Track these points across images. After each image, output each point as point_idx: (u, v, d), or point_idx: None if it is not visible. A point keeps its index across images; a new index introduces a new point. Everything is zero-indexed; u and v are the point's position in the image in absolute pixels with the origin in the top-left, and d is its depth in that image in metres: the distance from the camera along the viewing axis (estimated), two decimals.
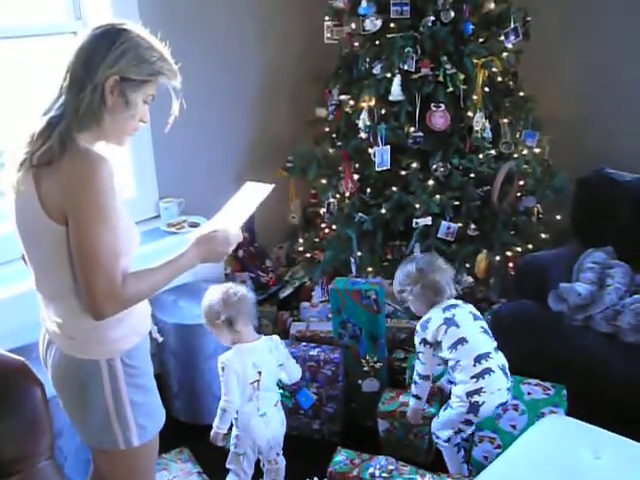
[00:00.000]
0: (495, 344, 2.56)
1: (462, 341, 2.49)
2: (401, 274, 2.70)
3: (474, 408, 2.44)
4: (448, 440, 2.58)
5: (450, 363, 2.52)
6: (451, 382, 2.61)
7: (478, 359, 2.45)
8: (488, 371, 2.43)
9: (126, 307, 1.67)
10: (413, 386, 2.70)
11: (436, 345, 2.57)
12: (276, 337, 2.57)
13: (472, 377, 2.44)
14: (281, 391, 2.59)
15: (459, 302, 2.64)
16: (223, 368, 2.40)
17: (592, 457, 2.14)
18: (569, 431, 2.28)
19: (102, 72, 1.57)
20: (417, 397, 2.69)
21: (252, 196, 2.00)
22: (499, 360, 2.51)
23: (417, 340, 2.63)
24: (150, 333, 1.96)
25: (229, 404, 2.40)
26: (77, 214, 1.56)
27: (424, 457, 2.81)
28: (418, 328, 2.63)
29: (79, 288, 1.63)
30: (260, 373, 2.42)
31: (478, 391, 2.42)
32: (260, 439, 2.48)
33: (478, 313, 2.64)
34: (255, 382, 2.42)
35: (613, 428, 2.28)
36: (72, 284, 1.65)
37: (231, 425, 2.49)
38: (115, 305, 1.62)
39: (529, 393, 2.71)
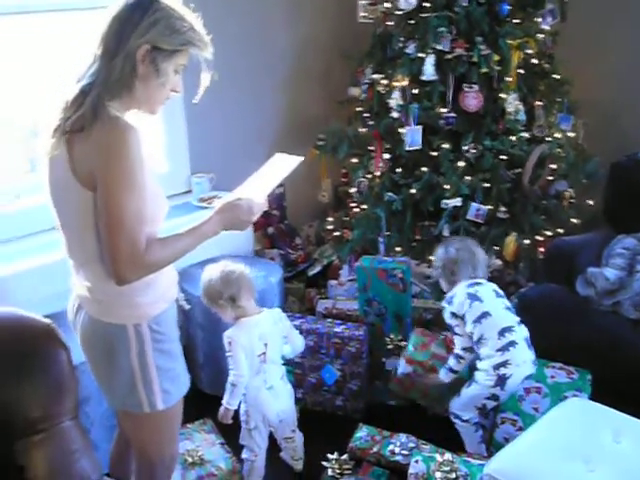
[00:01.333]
0: (518, 319, 2.58)
1: (486, 315, 2.52)
2: (435, 254, 2.81)
3: (501, 381, 2.47)
4: (468, 420, 2.60)
5: (474, 337, 2.54)
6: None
7: (502, 332, 2.49)
8: (513, 344, 2.48)
9: (149, 273, 1.70)
10: (453, 360, 2.65)
11: (461, 319, 2.59)
12: (278, 309, 2.60)
13: (497, 350, 2.48)
14: (286, 366, 2.61)
15: (482, 280, 2.67)
16: (230, 343, 2.41)
17: (612, 441, 2.12)
18: (590, 414, 2.26)
19: (134, 41, 1.60)
20: (454, 372, 2.67)
21: (280, 167, 2.00)
22: (523, 333, 2.54)
23: (447, 316, 2.66)
24: (177, 300, 1.99)
25: (239, 378, 2.42)
26: (105, 180, 1.59)
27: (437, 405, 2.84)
28: (444, 304, 2.67)
29: (103, 253, 1.67)
30: (266, 345, 2.45)
31: (504, 363, 2.46)
32: (269, 412, 2.51)
33: (501, 292, 2.67)
34: (262, 354, 2.44)
35: (638, 414, 2.26)
36: (98, 249, 1.69)
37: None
38: (137, 270, 1.65)
39: (552, 377, 2.69)
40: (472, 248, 2.75)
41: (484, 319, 2.52)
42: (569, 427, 2.21)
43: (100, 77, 1.62)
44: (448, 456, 2.46)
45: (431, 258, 3.47)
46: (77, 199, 1.65)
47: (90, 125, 1.58)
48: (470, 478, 2.39)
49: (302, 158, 2.04)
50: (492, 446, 2.71)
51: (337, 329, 2.99)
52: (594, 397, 2.59)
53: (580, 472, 2.00)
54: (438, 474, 2.40)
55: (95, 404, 2.53)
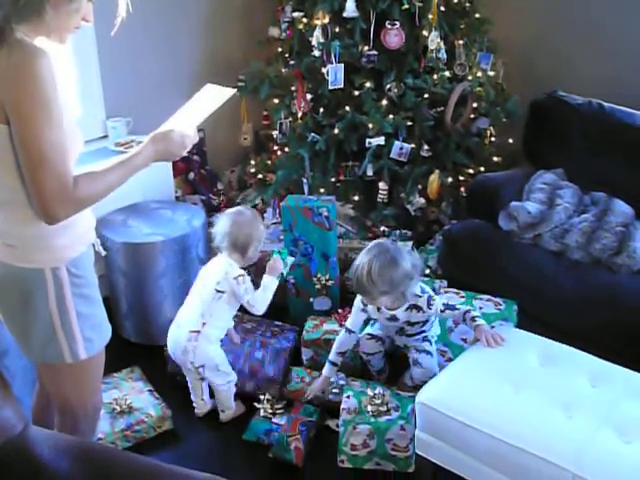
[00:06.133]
0: None
1: None
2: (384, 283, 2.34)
3: None
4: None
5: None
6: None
7: None
8: None
9: (80, 209, 1.62)
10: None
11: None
12: (233, 268, 2.54)
13: None
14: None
15: None
16: None
17: (538, 364, 2.19)
18: (515, 341, 2.32)
19: None
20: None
21: (211, 99, 1.93)
22: None
23: (439, 309, 2.45)
24: (94, 246, 1.90)
25: None
26: (18, 110, 1.48)
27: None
28: (428, 310, 2.45)
29: (28, 192, 1.56)
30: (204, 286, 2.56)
31: None
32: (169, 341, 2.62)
33: None
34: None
35: (560, 341, 2.32)
36: (21, 188, 1.58)
37: None
38: (67, 207, 1.56)
39: (481, 308, 2.73)
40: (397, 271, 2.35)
41: None
42: (497, 353, 2.26)
43: None
44: (379, 390, 2.49)
45: (355, 199, 3.48)
46: None
47: None
48: (401, 409, 2.42)
49: (234, 91, 1.97)
50: None
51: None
52: (520, 326, 2.64)
53: (509, 395, 2.05)
54: (369, 407, 2.42)
55: (15, 357, 2.41)
